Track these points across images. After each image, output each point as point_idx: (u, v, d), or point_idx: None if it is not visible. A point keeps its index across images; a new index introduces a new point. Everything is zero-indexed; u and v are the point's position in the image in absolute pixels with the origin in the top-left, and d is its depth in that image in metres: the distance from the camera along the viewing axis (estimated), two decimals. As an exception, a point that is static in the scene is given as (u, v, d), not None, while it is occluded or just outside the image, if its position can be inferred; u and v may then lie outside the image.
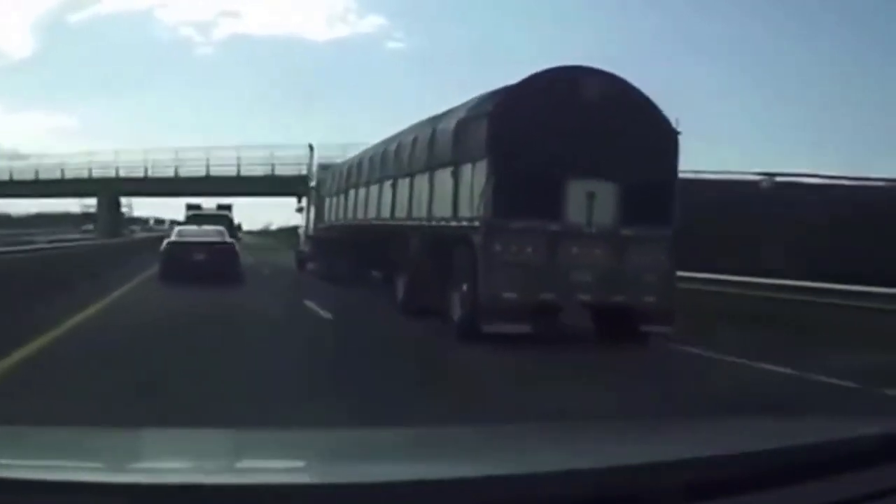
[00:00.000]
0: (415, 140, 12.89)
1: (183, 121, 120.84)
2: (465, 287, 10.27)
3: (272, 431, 2.60)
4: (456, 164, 10.86)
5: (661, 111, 10.75)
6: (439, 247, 11.37)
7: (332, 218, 20.02)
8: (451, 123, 11.30)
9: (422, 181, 12.24)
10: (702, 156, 41.08)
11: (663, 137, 10.61)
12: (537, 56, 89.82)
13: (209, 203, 29.47)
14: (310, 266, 23.41)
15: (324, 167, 22.55)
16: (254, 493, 1.43)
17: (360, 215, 16.57)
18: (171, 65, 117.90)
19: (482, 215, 9.96)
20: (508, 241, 9.84)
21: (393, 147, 14.32)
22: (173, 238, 19.93)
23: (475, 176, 10.25)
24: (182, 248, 18.71)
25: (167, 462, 1.86)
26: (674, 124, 10.77)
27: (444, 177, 11.27)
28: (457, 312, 10.53)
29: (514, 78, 10.58)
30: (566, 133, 9.98)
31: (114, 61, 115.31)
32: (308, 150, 24.49)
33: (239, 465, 1.90)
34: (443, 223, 11.23)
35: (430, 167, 11.87)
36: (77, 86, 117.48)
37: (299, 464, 1.86)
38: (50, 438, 1.98)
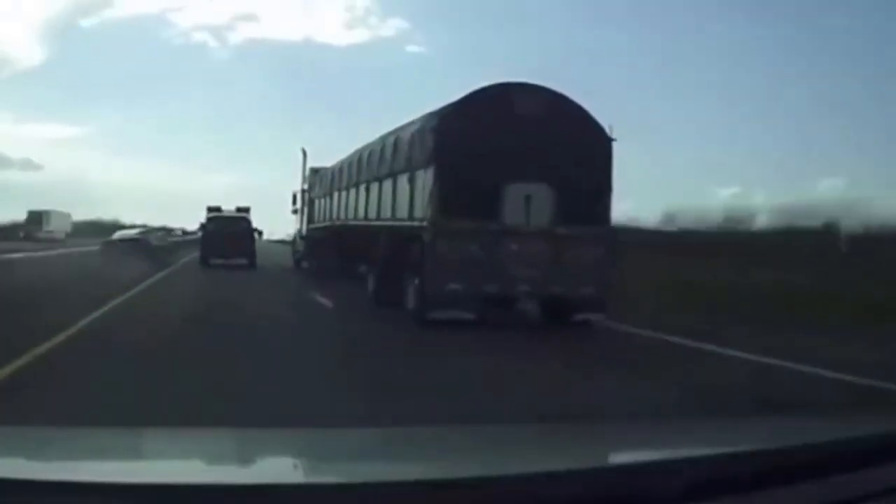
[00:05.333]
0: (382, 148, 14.19)
1: (198, 127, 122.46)
2: (416, 280, 11.54)
3: (272, 431, 2.65)
4: (411, 170, 12.16)
5: (595, 121, 11.96)
6: (399, 244, 12.65)
7: (321, 219, 21.38)
8: (407, 134, 12.59)
9: (387, 186, 13.56)
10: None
11: (598, 144, 11.82)
12: (553, 56, 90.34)
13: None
14: (304, 264, 24.79)
15: (314, 171, 23.82)
16: (254, 493, 1.44)
17: (341, 216, 17.91)
18: (187, 70, 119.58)
19: (429, 216, 11.23)
20: (453, 239, 11.09)
21: (366, 154, 15.62)
22: None
23: (425, 181, 11.53)
24: None
25: (167, 462, 1.89)
26: (608, 132, 12.00)
27: (402, 182, 12.57)
28: (411, 303, 11.80)
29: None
30: (505, 142, 11.20)
31: (127, 68, 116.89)
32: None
33: (239, 464, 1.92)
34: (401, 223, 12.52)
35: (392, 173, 13.17)
36: (90, 94, 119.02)
37: (300, 463, 1.88)
38: (50, 439, 2.00)
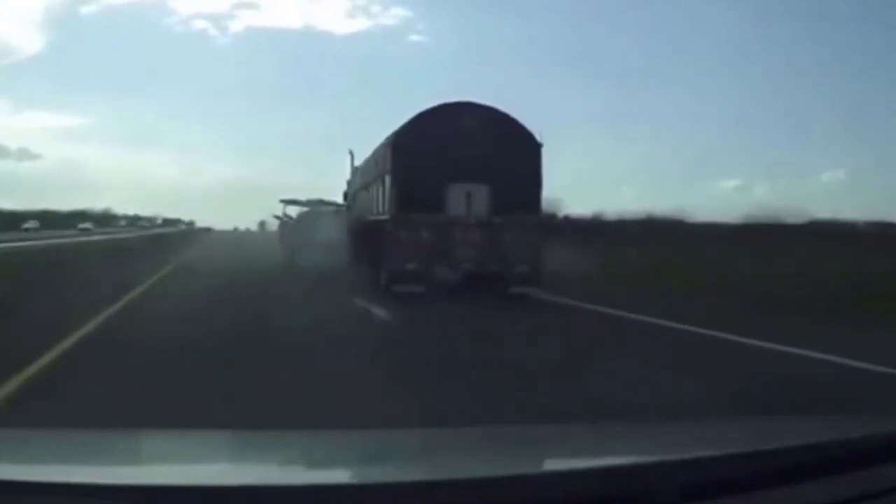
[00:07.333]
0: (372, 157, 17.62)
1: (197, 118, 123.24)
2: (383, 261, 14.85)
3: (272, 433, 2.64)
4: (381, 176, 15.50)
5: (526, 130, 15.00)
6: (375, 233, 16.03)
7: (349, 215, 24.96)
8: (381, 148, 15.99)
9: (372, 188, 16.94)
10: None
11: (528, 149, 14.82)
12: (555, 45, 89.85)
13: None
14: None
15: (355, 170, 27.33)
16: (254, 494, 1.46)
17: (358, 212, 21.38)
18: (187, 60, 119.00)
19: (390, 211, 14.49)
20: (408, 228, 14.32)
21: (369, 161, 19.03)
22: None
23: (388, 184, 14.80)
24: None
25: (168, 464, 1.92)
26: (538, 139, 14.97)
27: (377, 186, 15.90)
28: (382, 279, 15.10)
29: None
30: (450, 151, 14.36)
31: (125, 57, 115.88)
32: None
33: (239, 466, 1.95)
34: (376, 217, 15.88)
35: (375, 178, 16.56)
36: (89, 83, 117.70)
37: (300, 465, 1.91)
38: (52, 441, 2.05)
